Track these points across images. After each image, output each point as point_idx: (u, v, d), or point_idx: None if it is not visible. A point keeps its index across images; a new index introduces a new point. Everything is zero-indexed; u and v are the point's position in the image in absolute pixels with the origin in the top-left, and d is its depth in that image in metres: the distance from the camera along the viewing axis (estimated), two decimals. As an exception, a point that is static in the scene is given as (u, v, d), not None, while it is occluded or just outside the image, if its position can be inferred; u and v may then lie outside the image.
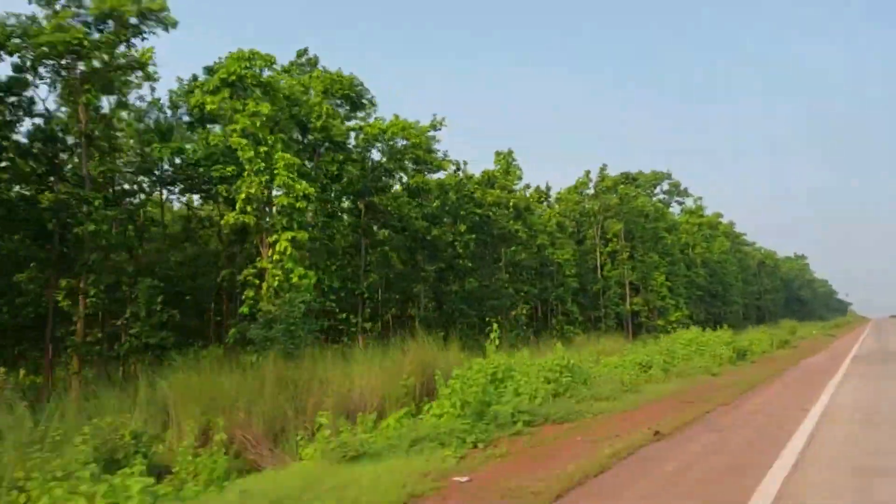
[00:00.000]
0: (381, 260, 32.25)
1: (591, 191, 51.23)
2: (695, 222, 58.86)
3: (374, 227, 32.70)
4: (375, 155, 30.99)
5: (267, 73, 22.39)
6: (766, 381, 14.03)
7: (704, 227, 60.21)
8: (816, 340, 37.45)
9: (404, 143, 30.72)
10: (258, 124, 20.59)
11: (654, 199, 56.70)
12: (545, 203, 49.57)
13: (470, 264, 35.46)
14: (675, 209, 60.48)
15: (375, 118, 30.69)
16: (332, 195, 30.81)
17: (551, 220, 43.07)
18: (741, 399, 11.03)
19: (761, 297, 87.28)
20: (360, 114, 30.62)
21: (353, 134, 30.48)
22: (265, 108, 20.63)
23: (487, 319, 37.17)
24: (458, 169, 36.73)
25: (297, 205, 20.52)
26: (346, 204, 32.95)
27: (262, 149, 20.54)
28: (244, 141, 20.38)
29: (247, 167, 20.33)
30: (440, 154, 34.42)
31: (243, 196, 20.23)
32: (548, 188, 49.83)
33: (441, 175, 36.52)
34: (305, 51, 31.23)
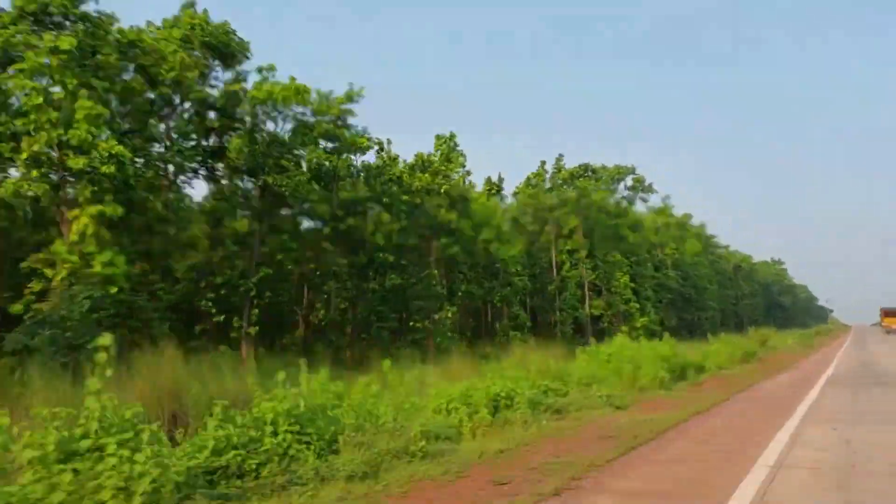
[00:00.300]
0: (279, 250, 27.37)
1: (548, 184, 46.73)
2: (662, 221, 54.37)
3: (277, 212, 27.80)
4: (271, 126, 26.12)
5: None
6: (685, 424, 9.26)
7: (673, 227, 55.77)
8: (789, 352, 32.93)
9: (303, 110, 25.88)
10: (55, 64, 15.66)
11: (618, 195, 52.11)
12: (498, 196, 45.01)
13: (392, 258, 30.59)
14: (640, 207, 55.88)
15: (272, 82, 25.88)
16: (216, 172, 25.96)
17: (497, 213, 38.28)
18: (607, 471, 6.22)
19: (738, 303, 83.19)
20: (256, 78, 25.83)
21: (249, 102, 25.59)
22: (66, 41, 15.68)
23: (412, 323, 32.35)
24: (382, 149, 31.93)
25: (103, 169, 15.54)
26: (249, 185, 28.06)
27: (58, 95, 15.62)
28: (30, 83, 15.43)
29: (32, 116, 15.37)
30: (359, 130, 29.77)
31: (25, 156, 15.26)
32: (500, 180, 45.17)
33: (371, 158, 31.85)
34: (192, 4, 26.20)
